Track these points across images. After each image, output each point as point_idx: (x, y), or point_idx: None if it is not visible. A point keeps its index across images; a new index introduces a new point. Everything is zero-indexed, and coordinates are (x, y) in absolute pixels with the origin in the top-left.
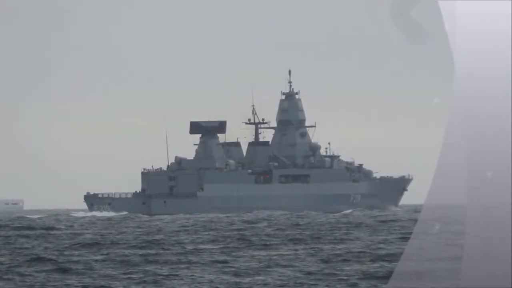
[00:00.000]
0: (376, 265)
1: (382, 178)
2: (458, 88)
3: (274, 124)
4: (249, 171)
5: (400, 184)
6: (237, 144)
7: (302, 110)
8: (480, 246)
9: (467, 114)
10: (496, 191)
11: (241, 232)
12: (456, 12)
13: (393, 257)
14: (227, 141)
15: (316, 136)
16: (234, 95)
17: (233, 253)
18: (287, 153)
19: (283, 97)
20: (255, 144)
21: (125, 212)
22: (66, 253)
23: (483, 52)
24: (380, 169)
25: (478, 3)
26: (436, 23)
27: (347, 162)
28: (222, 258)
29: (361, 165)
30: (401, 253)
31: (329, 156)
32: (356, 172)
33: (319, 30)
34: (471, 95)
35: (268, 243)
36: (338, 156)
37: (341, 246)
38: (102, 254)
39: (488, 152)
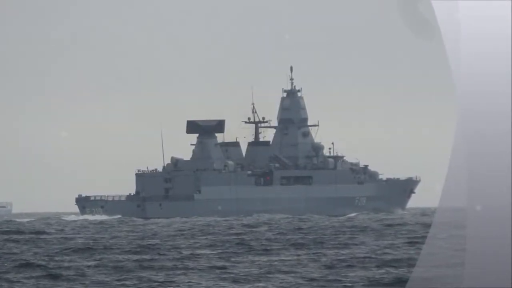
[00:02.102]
0: (382, 271)
1: (388, 180)
2: (458, 88)
3: (275, 123)
4: (249, 172)
5: (407, 186)
6: (236, 144)
7: (304, 109)
8: (482, 246)
9: (467, 114)
10: (496, 191)
11: (240, 237)
12: (457, 12)
13: (400, 263)
14: (226, 141)
15: (319, 135)
16: (233, 92)
17: (232, 259)
18: (288, 154)
19: (285, 94)
20: (255, 144)
21: (118, 216)
22: (56, 258)
23: (483, 52)
24: (386, 170)
25: (478, 3)
26: (436, 23)
27: (351, 163)
28: (220, 263)
29: (366, 166)
30: (408, 259)
31: (333, 157)
32: (361, 174)
33: (320, 29)
34: (471, 95)
35: (268, 248)
36: (342, 157)
37: (345, 251)
38: (94, 260)
39: (488, 152)
